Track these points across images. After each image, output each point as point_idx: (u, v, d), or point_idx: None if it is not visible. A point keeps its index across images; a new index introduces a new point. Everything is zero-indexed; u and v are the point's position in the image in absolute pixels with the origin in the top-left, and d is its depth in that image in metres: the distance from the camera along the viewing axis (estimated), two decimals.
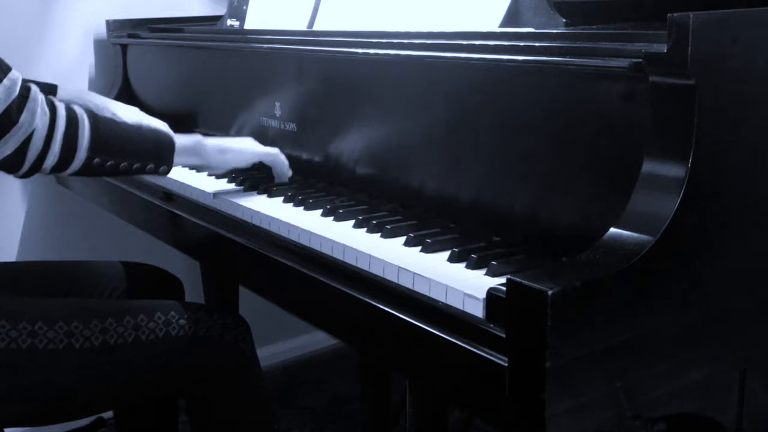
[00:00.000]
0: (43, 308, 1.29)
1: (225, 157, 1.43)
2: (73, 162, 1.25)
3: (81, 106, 1.29)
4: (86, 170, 1.28)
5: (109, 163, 1.28)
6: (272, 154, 1.46)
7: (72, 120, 1.24)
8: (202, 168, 1.52)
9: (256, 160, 1.46)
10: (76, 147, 1.25)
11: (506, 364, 0.87)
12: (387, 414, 1.80)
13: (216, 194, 1.45)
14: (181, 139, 1.38)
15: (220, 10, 2.14)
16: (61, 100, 1.27)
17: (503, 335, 0.88)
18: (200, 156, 1.40)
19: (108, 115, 1.36)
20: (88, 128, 1.26)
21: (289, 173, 1.48)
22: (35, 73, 2.06)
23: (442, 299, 0.98)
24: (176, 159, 1.36)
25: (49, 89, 1.77)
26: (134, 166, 1.31)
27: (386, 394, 1.79)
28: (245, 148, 1.46)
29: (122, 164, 1.30)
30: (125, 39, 2.10)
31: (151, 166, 1.33)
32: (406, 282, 1.03)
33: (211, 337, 1.35)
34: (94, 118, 1.28)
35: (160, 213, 1.57)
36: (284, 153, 1.56)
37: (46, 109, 1.22)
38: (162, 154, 1.34)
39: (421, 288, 1.01)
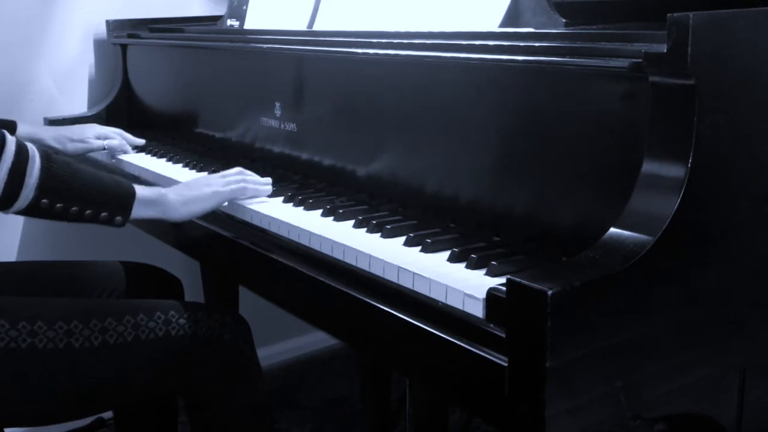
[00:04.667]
0: (42, 308, 1.28)
1: (189, 209, 1.37)
2: (18, 199, 1.22)
3: (38, 146, 1.26)
4: (33, 211, 1.24)
5: (58, 205, 1.24)
6: (238, 189, 1.39)
7: (21, 156, 1.21)
8: (163, 220, 1.39)
9: (223, 202, 1.40)
10: (23, 183, 1.21)
11: (506, 364, 0.87)
12: (387, 414, 1.80)
13: None
14: (142, 191, 1.33)
15: (220, 10, 2.14)
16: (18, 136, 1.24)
17: (503, 335, 0.88)
18: (162, 209, 1.35)
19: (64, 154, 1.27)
20: (39, 166, 1.22)
21: (267, 187, 1.41)
22: (35, 73, 2.07)
23: (442, 299, 0.98)
24: (135, 210, 1.31)
25: (6, 125, 1.76)
26: (86, 212, 1.26)
27: (386, 394, 1.79)
28: (208, 193, 1.38)
29: (72, 209, 1.25)
30: (125, 39, 2.10)
31: (104, 214, 1.28)
32: (406, 282, 1.03)
33: (211, 337, 1.35)
34: (47, 158, 1.24)
35: None
36: (284, 153, 1.57)
37: None
38: (118, 203, 1.29)
39: (421, 288, 1.01)
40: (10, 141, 1.21)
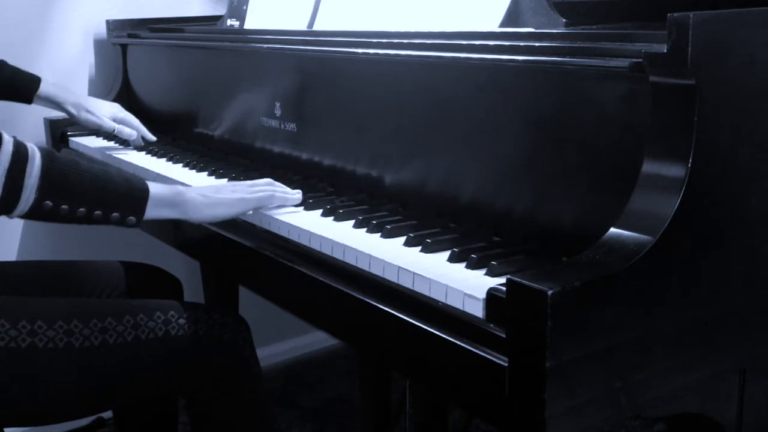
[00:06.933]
0: (42, 307, 1.28)
1: (214, 211, 1.31)
2: (18, 203, 1.16)
3: (41, 146, 1.20)
4: (38, 214, 1.18)
5: (63, 207, 1.18)
6: (266, 197, 1.32)
7: (19, 156, 1.16)
8: (185, 221, 1.34)
9: (250, 209, 1.33)
10: (22, 186, 1.15)
11: (506, 364, 0.87)
12: (387, 414, 1.80)
13: None
14: (157, 189, 1.26)
15: (220, 10, 2.14)
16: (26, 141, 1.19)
17: (503, 335, 0.88)
18: (181, 209, 1.29)
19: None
20: (39, 167, 1.16)
21: (296, 196, 1.34)
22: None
23: (442, 299, 0.98)
24: (150, 211, 1.25)
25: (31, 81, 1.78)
26: (94, 213, 1.21)
27: (386, 394, 1.79)
28: (235, 198, 1.32)
29: (79, 210, 1.20)
30: (125, 39, 2.11)
31: (115, 215, 1.22)
32: (406, 282, 1.03)
33: (211, 337, 1.35)
34: (50, 157, 1.18)
35: None
36: (284, 153, 1.57)
37: None
38: (130, 202, 1.23)
39: (421, 288, 1.01)
40: (7, 141, 1.17)
